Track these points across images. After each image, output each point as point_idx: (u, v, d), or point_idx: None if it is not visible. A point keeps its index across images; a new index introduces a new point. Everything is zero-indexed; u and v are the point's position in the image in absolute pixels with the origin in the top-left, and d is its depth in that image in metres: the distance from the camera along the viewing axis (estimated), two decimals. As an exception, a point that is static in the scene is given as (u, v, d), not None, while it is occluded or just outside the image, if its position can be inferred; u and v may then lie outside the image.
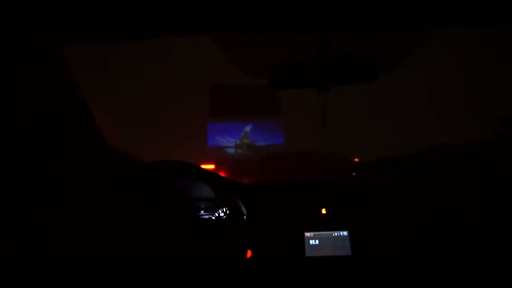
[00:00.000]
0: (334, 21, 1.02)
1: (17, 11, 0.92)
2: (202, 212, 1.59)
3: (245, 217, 1.43)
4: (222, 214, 1.55)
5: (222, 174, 3.71)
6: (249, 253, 1.29)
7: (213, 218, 1.56)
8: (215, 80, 4.19)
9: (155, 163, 1.48)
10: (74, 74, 1.31)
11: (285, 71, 1.41)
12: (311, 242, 1.31)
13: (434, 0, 0.92)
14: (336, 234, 1.31)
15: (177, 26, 1.09)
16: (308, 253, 1.28)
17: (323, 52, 1.34)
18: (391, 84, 1.64)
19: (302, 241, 1.31)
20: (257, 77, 2.79)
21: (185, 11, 0.95)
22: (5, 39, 1.06)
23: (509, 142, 1.70)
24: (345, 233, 1.31)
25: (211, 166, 3.87)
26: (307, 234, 1.32)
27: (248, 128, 4.53)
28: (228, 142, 4.62)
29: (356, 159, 3.18)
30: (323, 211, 1.39)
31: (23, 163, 1.18)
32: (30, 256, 1.06)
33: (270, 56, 1.93)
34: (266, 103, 4.17)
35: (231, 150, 4.52)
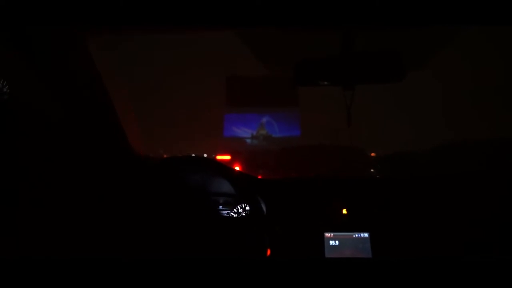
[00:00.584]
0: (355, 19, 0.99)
1: (34, 11, 0.92)
2: (220, 207, 1.59)
3: (264, 213, 1.42)
4: (241, 210, 1.54)
5: (238, 165, 3.73)
6: (268, 252, 1.29)
7: (232, 214, 1.55)
8: (233, 71, 4.17)
9: (172, 159, 1.47)
10: (94, 67, 1.31)
11: (310, 67, 1.38)
12: (331, 242, 1.30)
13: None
14: (356, 235, 1.30)
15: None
16: (328, 253, 1.28)
17: (349, 49, 1.31)
18: (412, 82, 1.60)
19: (322, 241, 1.30)
20: (276, 69, 2.77)
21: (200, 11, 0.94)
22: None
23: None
24: (366, 234, 1.30)
25: (227, 157, 3.88)
26: (327, 234, 1.31)
27: (264, 120, 4.53)
28: (245, 133, 4.62)
29: (373, 154, 3.15)
30: (344, 211, 1.37)
31: (40, 158, 1.19)
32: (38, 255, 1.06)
33: (291, 48, 1.90)
34: (284, 95, 4.14)
35: (247, 141, 4.53)
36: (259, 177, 1.85)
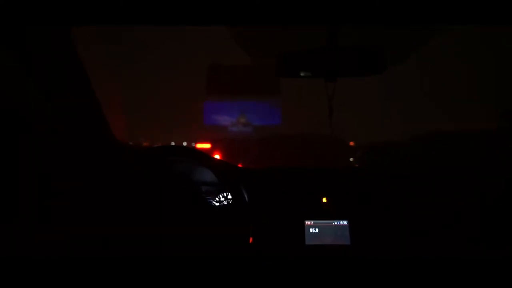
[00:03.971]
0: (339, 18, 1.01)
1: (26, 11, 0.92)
2: (203, 196, 1.61)
3: (246, 202, 1.45)
4: (223, 199, 1.57)
5: (218, 153, 3.74)
6: (250, 240, 1.32)
7: (214, 202, 1.58)
8: (215, 59, 4.15)
9: (152, 149, 1.48)
10: (77, 58, 1.30)
11: (292, 59, 1.40)
12: (311, 230, 1.34)
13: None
14: (336, 223, 1.35)
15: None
16: (308, 241, 1.32)
17: (331, 42, 1.34)
18: (393, 73, 1.65)
19: (303, 229, 1.34)
20: (259, 59, 2.79)
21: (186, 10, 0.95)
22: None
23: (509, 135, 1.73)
24: (345, 222, 1.35)
25: (207, 146, 3.88)
26: (308, 222, 1.36)
27: (245, 108, 4.54)
28: (225, 121, 4.63)
29: (351, 143, 3.23)
30: (324, 199, 1.42)
31: (29, 151, 1.18)
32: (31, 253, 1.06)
33: (274, 39, 1.92)
34: (265, 84, 4.16)
35: (227, 129, 4.54)
36: (240, 166, 1.87)
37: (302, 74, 1.42)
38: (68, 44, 1.20)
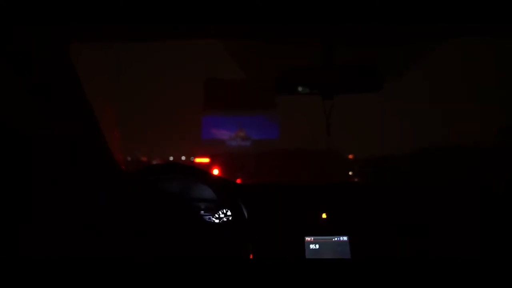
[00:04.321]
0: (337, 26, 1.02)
1: (21, 12, 0.93)
2: (202, 213, 1.61)
3: (246, 219, 1.45)
4: (222, 216, 1.57)
5: (217, 167, 3.74)
6: (251, 256, 1.32)
7: (214, 219, 1.58)
8: (212, 74, 4.19)
9: (149, 168, 1.47)
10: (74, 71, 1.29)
11: (291, 77, 1.43)
12: (311, 246, 1.34)
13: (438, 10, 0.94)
14: (336, 239, 1.35)
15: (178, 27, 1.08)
16: (309, 256, 1.32)
17: (329, 61, 1.37)
18: (392, 89, 1.68)
19: (303, 245, 1.35)
20: (256, 74, 2.82)
21: (187, 11, 0.96)
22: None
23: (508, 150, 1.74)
24: (345, 238, 1.35)
25: (205, 160, 3.89)
26: (308, 238, 1.36)
27: (243, 122, 4.56)
28: (223, 135, 4.64)
29: (350, 156, 3.23)
30: (323, 215, 1.42)
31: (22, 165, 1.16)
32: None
33: (271, 55, 1.94)
34: (263, 98, 4.19)
35: (226, 143, 4.55)
36: (238, 181, 1.87)
37: (300, 91, 1.45)
38: (62, 54, 1.20)
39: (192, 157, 4.40)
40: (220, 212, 1.56)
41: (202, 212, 1.59)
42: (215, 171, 3.37)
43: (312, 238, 1.36)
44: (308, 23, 1.00)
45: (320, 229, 1.38)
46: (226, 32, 1.21)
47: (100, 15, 0.99)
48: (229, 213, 1.53)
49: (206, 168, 3.53)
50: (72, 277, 1.02)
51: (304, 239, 1.36)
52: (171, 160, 4.47)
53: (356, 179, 2.84)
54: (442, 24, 1.00)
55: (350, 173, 2.78)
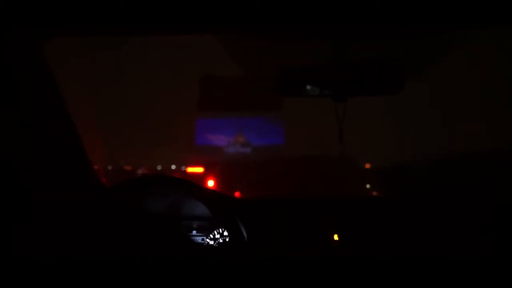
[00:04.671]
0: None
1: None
2: (194, 232, 1.57)
3: (245, 240, 1.42)
4: (218, 236, 1.53)
5: (212, 178, 3.70)
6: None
7: (208, 240, 1.54)
8: (207, 70, 4.14)
9: (130, 181, 1.44)
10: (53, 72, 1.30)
11: (296, 77, 1.38)
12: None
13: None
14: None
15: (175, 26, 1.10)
16: None
17: (340, 57, 1.32)
18: (413, 90, 1.65)
19: None
20: (256, 71, 2.78)
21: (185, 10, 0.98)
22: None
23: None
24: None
25: (199, 169, 3.86)
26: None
27: (243, 125, 4.52)
28: (220, 141, 4.60)
29: (367, 165, 3.20)
30: (335, 237, 1.38)
31: None
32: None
33: (274, 51, 1.91)
34: (265, 98, 4.13)
35: (223, 150, 4.50)
36: (237, 195, 1.84)
37: (307, 93, 1.39)
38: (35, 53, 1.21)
39: (184, 166, 4.35)
40: (215, 232, 1.53)
41: (194, 232, 1.56)
42: (210, 183, 3.32)
43: None
44: (316, 23, 1.02)
45: (331, 253, 1.34)
46: (224, 30, 1.20)
47: (81, 11, 1.00)
48: (225, 233, 1.50)
49: (199, 178, 3.49)
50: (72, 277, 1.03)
51: None
52: (159, 170, 4.41)
53: (374, 193, 2.79)
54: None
55: (368, 185, 2.73)
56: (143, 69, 4.24)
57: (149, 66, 4.18)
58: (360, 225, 1.41)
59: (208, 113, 4.41)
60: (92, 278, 1.02)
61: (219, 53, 2.49)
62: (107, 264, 1.05)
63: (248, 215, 1.45)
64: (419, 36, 1.49)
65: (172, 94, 4.42)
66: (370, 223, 1.41)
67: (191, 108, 4.38)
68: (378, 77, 1.34)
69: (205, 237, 1.54)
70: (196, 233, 1.57)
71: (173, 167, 4.59)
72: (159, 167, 4.52)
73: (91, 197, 1.36)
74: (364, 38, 1.33)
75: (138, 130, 4.55)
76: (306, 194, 1.75)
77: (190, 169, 4.00)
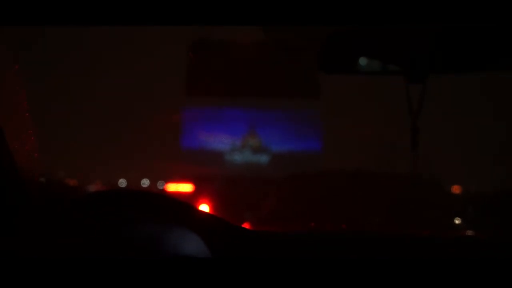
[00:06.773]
0: None
1: None
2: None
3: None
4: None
5: (206, 202, 3.69)
6: None
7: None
8: (200, 34, 4.07)
9: (93, 195, 1.45)
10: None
11: (344, 43, 1.46)
12: None
13: None
14: None
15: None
16: None
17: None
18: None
19: None
20: (274, 33, 2.78)
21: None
22: None
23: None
24: None
25: (186, 187, 3.86)
26: None
27: (256, 120, 4.49)
28: (220, 143, 4.58)
29: (456, 189, 3.18)
30: None
31: None
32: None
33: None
34: (294, 76, 4.11)
35: (224, 158, 4.50)
36: (247, 226, 1.85)
37: (364, 68, 1.44)
38: None
39: (161, 182, 4.37)
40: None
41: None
42: (203, 207, 3.30)
43: None
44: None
45: None
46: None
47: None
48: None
49: (187, 201, 3.48)
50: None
51: None
52: (121, 187, 4.40)
53: (469, 232, 2.78)
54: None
55: (457, 221, 2.73)
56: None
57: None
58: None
59: (201, 100, 4.41)
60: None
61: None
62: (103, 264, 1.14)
63: (262, 255, 1.43)
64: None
65: (142, 68, 4.48)
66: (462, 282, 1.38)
67: (173, 91, 4.39)
68: (473, 47, 1.38)
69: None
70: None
71: (145, 182, 4.59)
72: (122, 182, 4.48)
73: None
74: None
75: (87, 126, 4.65)
76: (360, 231, 1.74)
77: (172, 187, 4.03)
